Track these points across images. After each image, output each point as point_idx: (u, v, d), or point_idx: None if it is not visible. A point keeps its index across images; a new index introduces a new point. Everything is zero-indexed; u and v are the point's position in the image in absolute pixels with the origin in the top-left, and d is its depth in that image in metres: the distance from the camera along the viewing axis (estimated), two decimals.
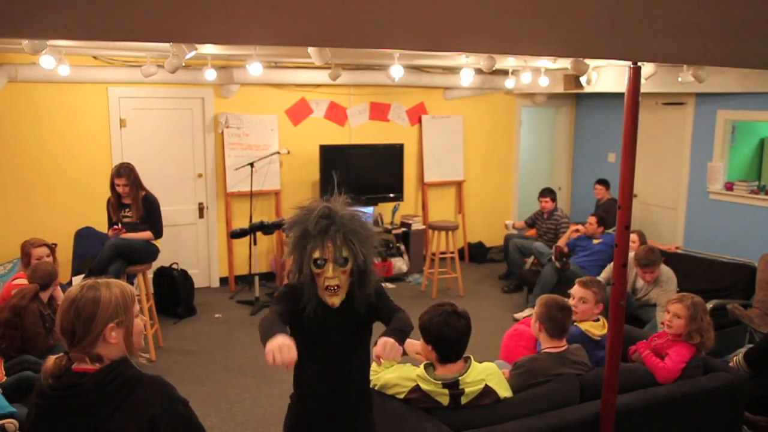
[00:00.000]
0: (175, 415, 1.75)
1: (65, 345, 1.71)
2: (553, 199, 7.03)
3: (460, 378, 2.63)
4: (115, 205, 5.07)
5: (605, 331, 3.41)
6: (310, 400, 2.26)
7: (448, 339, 2.64)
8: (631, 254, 4.81)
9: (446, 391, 2.62)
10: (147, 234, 5.07)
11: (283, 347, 1.87)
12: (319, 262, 2.11)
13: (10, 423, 3.06)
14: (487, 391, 2.67)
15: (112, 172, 5.06)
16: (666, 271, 4.97)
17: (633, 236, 5.53)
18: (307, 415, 2.28)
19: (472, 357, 2.74)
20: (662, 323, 3.39)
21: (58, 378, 1.67)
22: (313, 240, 2.09)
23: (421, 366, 2.72)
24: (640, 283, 5.06)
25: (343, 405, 2.24)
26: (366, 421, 2.32)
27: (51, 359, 1.70)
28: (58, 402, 1.67)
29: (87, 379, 1.67)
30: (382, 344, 1.99)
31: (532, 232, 7.26)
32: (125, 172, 4.98)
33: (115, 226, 5.00)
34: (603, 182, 7.31)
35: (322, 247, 2.09)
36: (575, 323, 3.44)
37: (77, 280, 5.07)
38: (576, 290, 3.55)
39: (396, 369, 2.82)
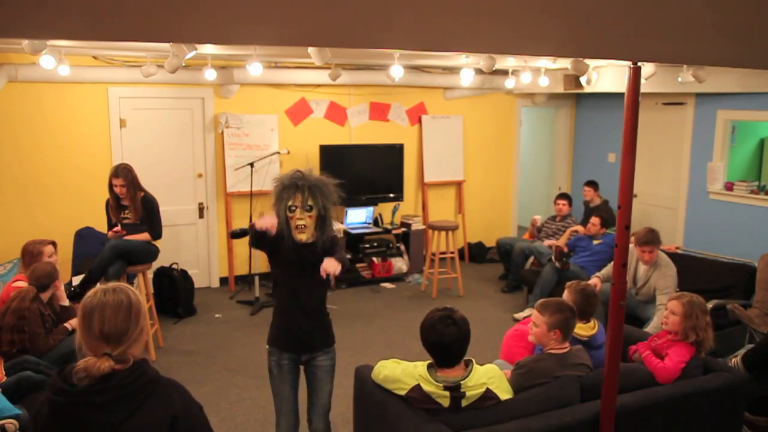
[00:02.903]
0: (192, 418, 1.78)
1: (106, 347, 1.72)
2: (570, 204, 7.07)
3: (462, 381, 2.62)
4: (114, 206, 5.06)
5: (593, 331, 3.40)
6: (285, 317, 3.04)
7: (436, 344, 2.66)
8: (631, 245, 4.83)
9: (447, 393, 2.62)
10: (145, 236, 5.06)
11: (265, 217, 2.80)
12: (292, 207, 2.88)
13: (11, 423, 3.05)
14: (489, 395, 2.67)
15: (110, 173, 5.05)
16: (664, 257, 5.04)
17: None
18: (283, 328, 3.05)
19: (474, 360, 2.74)
20: (663, 323, 3.40)
21: (101, 378, 1.68)
22: (287, 191, 2.88)
23: (424, 366, 2.73)
24: (640, 271, 5.07)
25: (308, 320, 3.01)
26: (326, 332, 3.09)
27: (93, 360, 1.69)
28: (76, 400, 1.67)
29: (88, 377, 1.68)
30: (326, 261, 2.86)
31: (533, 237, 7.27)
32: (122, 172, 4.97)
33: (116, 228, 4.99)
34: (591, 184, 7.31)
35: (294, 197, 2.88)
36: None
37: (77, 280, 5.07)
38: (565, 294, 3.53)
39: (401, 364, 2.83)
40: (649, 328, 4.58)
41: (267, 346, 3.10)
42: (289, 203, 2.88)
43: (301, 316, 3.00)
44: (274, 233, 2.84)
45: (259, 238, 2.91)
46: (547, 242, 6.81)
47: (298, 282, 2.97)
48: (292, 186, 2.88)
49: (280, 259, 2.99)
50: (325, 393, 3.09)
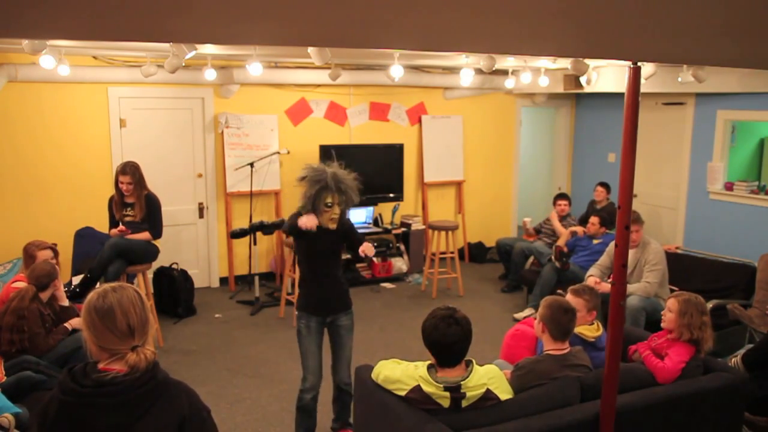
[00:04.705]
0: (200, 422, 1.79)
1: (132, 340, 1.75)
2: (570, 204, 7.09)
3: (462, 382, 2.62)
4: (118, 203, 5.07)
5: (599, 332, 3.43)
6: (311, 287, 3.63)
7: (438, 344, 2.66)
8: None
9: (447, 394, 2.62)
10: (145, 235, 5.07)
11: (309, 217, 3.46)
12: (329, 203, 3.51)
13: (5, 418, 3.06)
14: (489, 395, 2.67)
15: (117, 170, 5.07)
16: (647, 237, 5.22)
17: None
18: (311, 296, 3.64)
19: (474, 361, 2.74)
20: (662, 321, 3.42)
21: (147, 371, 1.73)
22: (327, 191, 3.49)
23: (425, 366, 2.72)
24: (628, 258, 5.10)
25: (330, 288, 3.63)
26: (345, 297, 3.69)
27: (133, 355, 1.73)
28: (85, 401, 1.67)
29: (120, 379, 1.69)
30: (364, 245, 3.56)
31: (533, 237, 7.27)
32: (130, 170, 4.99)
33: (120, 227, 5.00)
34: (604, 185, 7.30)
35: (332, 195, 3.50)
36: None
37: (77, 280, 5.07)
38: (568, 299, 3.55)
39: (401, 365, 2.83)
40: (632, 289, 4.93)
41: (296, 312, 3.71)
42: (327, 200, 3.50)
43: (324, 285, 3.61)
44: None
45: (297, 231, 3.51)
46: (553, 217, 6.94)
47: (321, 259, 3.59)
48: (332, 187, 3.50)
49: (306, 241, 3.57)
50: (347, 347, 3.69)
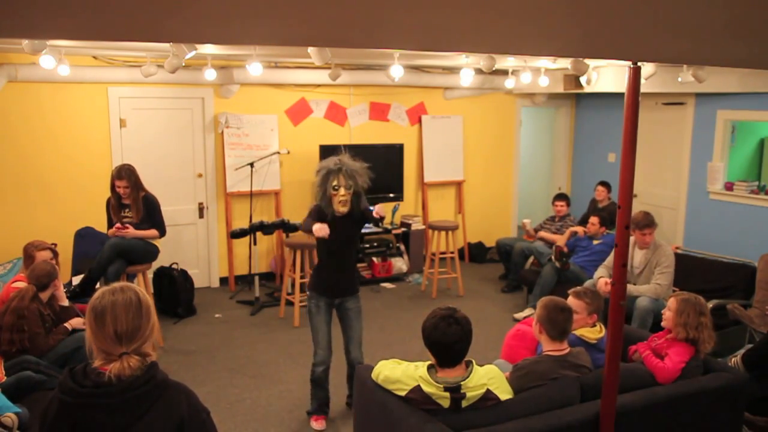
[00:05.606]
0: (199, 423, 1.80)
1: (119, 346, 1.73)
2: (568, 204, 7.10)
3: (462, 382, 2.62)
4: (116, 206, 5.07)
5: (601, 334, 3.42)
6: (325, 271, 3.94)
7: (438, 343, 2.66)
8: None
9: (447, 394, 2.62)
10: (153, 232, 5.09)
11: (323, 227, 3.70)
12: (335, 186, 3.76)
13: (8, 417, 3.07)
14: (489, 395, 2.67)
15: (113, 174, 5.05)
16: (658, 238, 5.21)
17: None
18: (323, 278, 3.94)
19: (474, 361, 2.74)
20: (662, 320, 3.42)
21: (134, 378, 1.70)
22: (332, 174, 3.76)
23: (425, 366, 2.72)
24: (637, 258, 5.09)
25: (341, 273, 3.94)
26: (353, 282, 4.01)
27: (118, 364, 1.71)
28: (84, 401, 1.67)
29: (119, 380, 1.69)
30: (377, 207, 3.82)
31: (533, 238, 7.26)
32: (126, 174, 4.98)
33: (119, 225, 4.99)
34: (605, 184, 7.30)
35: (338, 178, 3.75)
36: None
37: (77, 280, 5.06)
38: (569, 301, 3.55)
39: (401, 365, 2.83)
40: (642, 290, 4.96)
41: (307, 292, 4.05)
42: (333, 183, 3.74)
43: (336, 270, 3.91)
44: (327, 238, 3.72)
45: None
46: (543, 233, 6.90)
47: (337, 247, 3.84)
48: (336, 170, 3.74)
49: None
50: (357, 328, 4.01)
